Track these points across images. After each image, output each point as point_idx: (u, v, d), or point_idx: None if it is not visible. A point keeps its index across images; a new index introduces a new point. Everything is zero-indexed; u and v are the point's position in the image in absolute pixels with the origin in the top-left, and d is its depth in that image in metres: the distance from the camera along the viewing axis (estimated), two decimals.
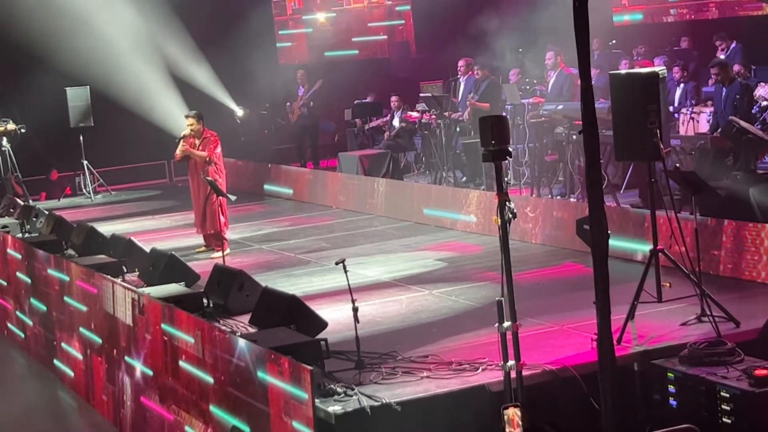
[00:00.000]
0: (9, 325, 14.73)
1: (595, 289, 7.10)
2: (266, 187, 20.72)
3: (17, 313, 14.32)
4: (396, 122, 20.12)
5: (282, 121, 23.36)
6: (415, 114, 19.44)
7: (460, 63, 18.67)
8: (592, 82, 7.16)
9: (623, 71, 11.64)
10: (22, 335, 14.17)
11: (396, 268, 12.99)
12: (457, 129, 18.26)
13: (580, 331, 9.10)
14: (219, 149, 14.76)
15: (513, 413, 7.16)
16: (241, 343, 8.19)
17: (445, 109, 18.02)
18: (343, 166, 19.64)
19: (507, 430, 7.13)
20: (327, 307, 10.67)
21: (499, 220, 7.61)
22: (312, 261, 13.84)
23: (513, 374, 7.56)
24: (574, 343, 8.87)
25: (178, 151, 14.85)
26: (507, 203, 7.58)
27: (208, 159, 14.58)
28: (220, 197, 14.15)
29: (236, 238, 15.62)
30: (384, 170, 18.91)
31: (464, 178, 17.93)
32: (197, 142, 14.74)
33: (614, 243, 11.17)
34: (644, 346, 8.64)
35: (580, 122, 7.15)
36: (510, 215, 7.59)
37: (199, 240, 15.05)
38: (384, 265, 13.17)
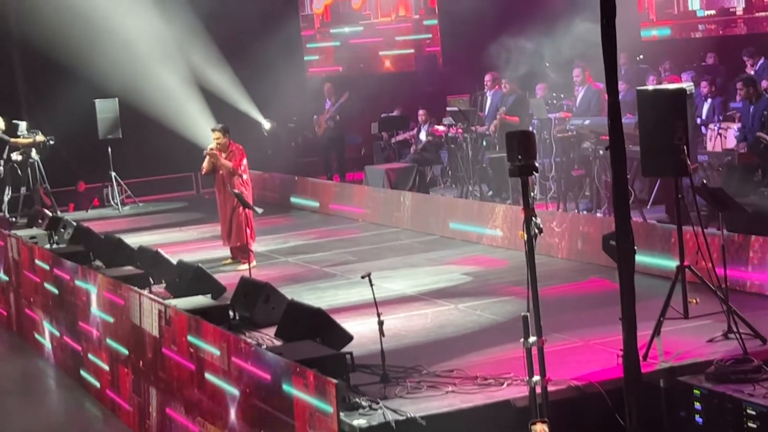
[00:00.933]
0: (36, 335, 14.81)
1: (622, 305, 7.09)
2: (293, 199, 20.78)
3: (45, 323, 14.39)
4: (423, 136, 20.14)
5: (309, 134, 23.43)
6: (441, 128, 19.46)
7: (487, 77, 18.70)
8: (620, 97, 7.16)
9: (650, 87, 11.63)
10: (50, 346, 14.24)
11: (421, 281, 13.00)
12: (484, 143, 18.26)
13: (606, 346, 9.08)
14: (245, 162, 14.83)
15: (541, 429, 7.15)
16: (267, 355, 8.21)
17: (472, 123, 18.03)
18: (369, 179, 19.68)
19: None
20: (352, 320, 10.69)
21: (525, 235, 7.62)
22: (337, 274, 13.86)
23: (538, 389, 7.56)
24: (600, 358, 8.85)
25: (204, 164, 14.95)
26: (533, 218, 7.59)
27: (233, 170, 14.66)
28: (247, 210, 14.19)
29: (262, 251, 15.67)
30: (410, 184, 18.93)
31: (490, 192, 17.93)
32: (223, 155, 14.82)
33: (640, 258, 11.13)
34: (670, 363, 8.61)
35: (608, 137, 7.16)
36: (536, 230, 7.60)
37: (226, 252, 15.10)
38: (409, 279, 13.17)
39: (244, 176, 14.81)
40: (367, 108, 22.82)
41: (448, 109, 20.13)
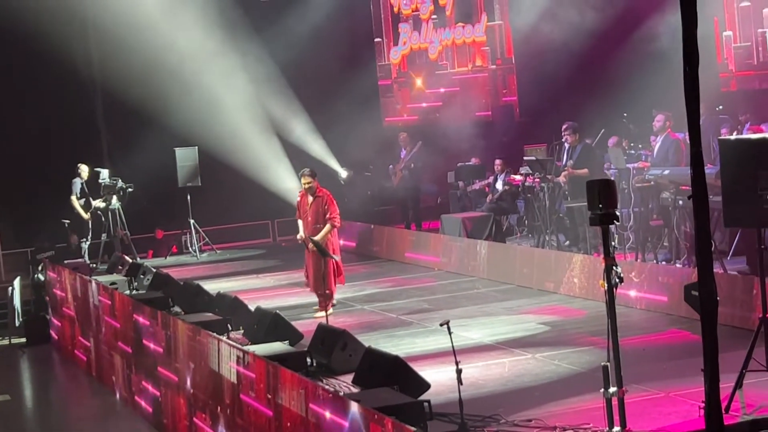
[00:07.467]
0: (115, 380, 14.95)
1: (704, 356, 7.01)
2: (368, 248, 20.83)
3: (124, 368, 14.53)
4: (499, 185, 20.13)
5: (385, 183, 23.56)
6: (518, 177, 19.43)
7: (565, 126, 18.61)
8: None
9: (733, 137, 11.54)
10: (128, 391, 14.36)
11: (498, 330, 12.96)
12: (560, 192, 18.16)
13: (687, 398, 8.98)
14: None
15: None
16: (345, 402, 8.21)
17: (549, 172, 17.97)
18: (445, 228, 19.69)
19: None
20: (429, 368, 10.68)
21: (606, 284, 7.58)
22: (414, 322, 13.87)
23: None
24: (681, 410, 8.75)
25: (303, 234, 14.87)
26: (614, 267, 7.56)
27: (335, 224, 14.68)
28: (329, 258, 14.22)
29: (339, 298, 15.71)
30: (486, 233, 18.91)
31: (567, 242, 17.83)
32: (310, 199, 14.85)
33: (721, 310, 10.99)
34: (753, 416, 8.49)
35: (687, 187, 7.13)
36: (617, 279, 7.57)
37: (303, 299, 15.17)
38: (486, 328, 13.14)
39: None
40: (443, 157, 22.88)
41: (525, 158, 20.09)
